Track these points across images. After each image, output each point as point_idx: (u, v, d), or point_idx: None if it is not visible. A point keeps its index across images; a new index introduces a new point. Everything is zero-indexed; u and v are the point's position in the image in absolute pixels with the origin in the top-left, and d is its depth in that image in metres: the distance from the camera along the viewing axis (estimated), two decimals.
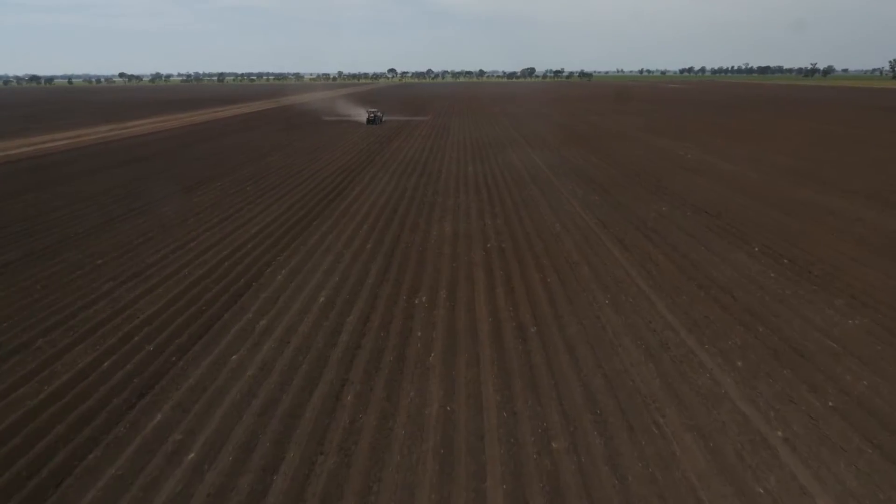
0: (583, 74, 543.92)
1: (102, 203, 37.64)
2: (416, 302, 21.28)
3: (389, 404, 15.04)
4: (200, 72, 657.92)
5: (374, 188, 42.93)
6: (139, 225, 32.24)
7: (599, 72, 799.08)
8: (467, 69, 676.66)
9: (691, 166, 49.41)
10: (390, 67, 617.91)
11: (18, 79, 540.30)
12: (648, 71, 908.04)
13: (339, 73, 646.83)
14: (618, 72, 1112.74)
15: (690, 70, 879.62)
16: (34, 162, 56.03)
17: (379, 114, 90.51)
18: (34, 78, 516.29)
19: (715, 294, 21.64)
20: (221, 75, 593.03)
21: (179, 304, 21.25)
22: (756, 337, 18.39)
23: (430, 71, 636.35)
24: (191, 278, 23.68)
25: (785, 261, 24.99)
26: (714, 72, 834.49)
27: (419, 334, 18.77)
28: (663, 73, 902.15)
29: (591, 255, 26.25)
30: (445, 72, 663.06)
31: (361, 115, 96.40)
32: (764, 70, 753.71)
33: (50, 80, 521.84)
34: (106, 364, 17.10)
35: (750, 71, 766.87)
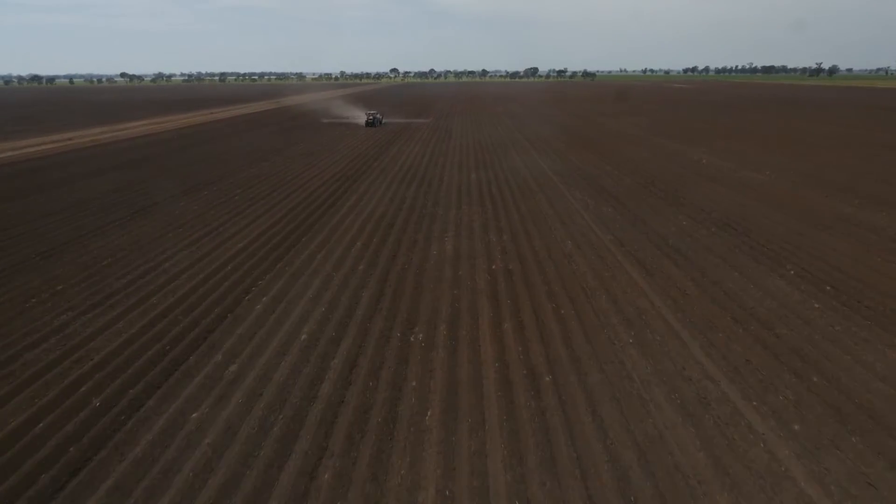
0: (586, 74, 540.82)
1: (75, 216, 34.90)
2: (412, 340, 18.50)
3: (375, 486, 12.25)
4: (203, 71, 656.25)
5: (371, 198, 40.24)
6: (112, 242, 29.49)
7: (602, 71, 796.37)
8: (470, 69, 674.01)
9: (709, 174, 46.55)
10: (392, 67, 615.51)
11: (20, 78, 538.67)
12: (652, 70, 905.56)
13: (342, 73, 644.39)
14: (621, 71, 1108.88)
15: (694, 70, 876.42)
16: (12, 169, 53.32)
17: (378, 116, 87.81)
18: (35, 78, 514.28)
19: (755, 331, 18.82)
20: (223, 75, 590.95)
21: (140, 342, 18.50)
22: (811, 389, 15.56)
23: (432, 71, 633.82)
24: (158, 309, 20.93)
25: (828, 288, 22.14)
26: (718, 71, 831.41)
27: (414, 384, 16.00)
28: (667, 72, 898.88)
29: (608, 279, 23.44)
30: (448, 71, 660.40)
31: (360, 117, 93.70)
32: (768, 70, 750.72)
33: (51, 79, 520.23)
34: (40, 426, 14.34)
35: (754, 70, 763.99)
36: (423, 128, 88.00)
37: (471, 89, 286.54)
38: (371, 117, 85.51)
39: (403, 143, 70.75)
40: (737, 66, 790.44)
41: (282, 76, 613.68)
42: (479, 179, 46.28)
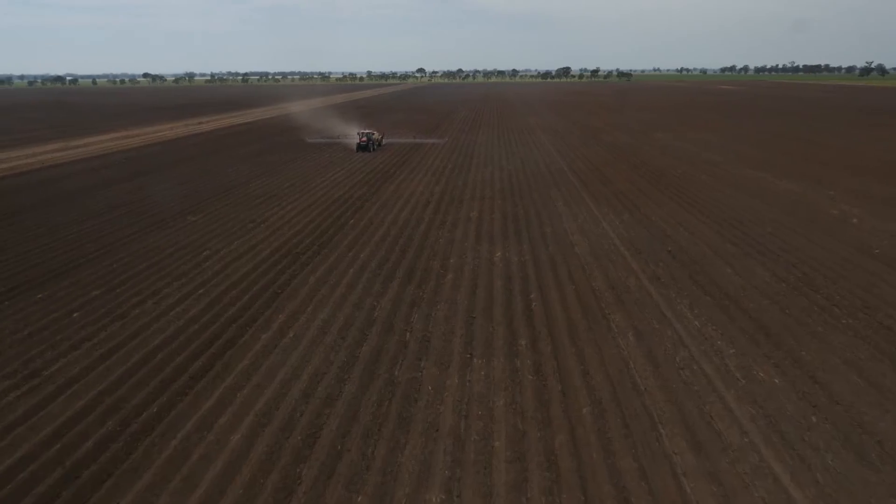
0: (621, 74, 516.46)
1: None
2: None
3: None
4: (230, 71, 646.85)
5: (321, 307, 22.19)
6: None
7: (636, 70, 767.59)
8: (499, 68, 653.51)
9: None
10: (419, 67, 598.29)
11: (43, 79, 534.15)
12: (687, 70, 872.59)
13: (368, 73, 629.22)
14: (654, 70, 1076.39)
15: (732, 69, 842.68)
16: None
17: (375, 135, 68.02)
18: (58, 79, 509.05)
19: None
20: (246, 76, 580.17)
21: None
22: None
23: (460, 70, 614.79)
24: None
25: None
26: (757, 70, 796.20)
27: None
28: (703, 72, 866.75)
29: None
30: (476, 71, 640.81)
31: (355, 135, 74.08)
32: (813, 69, 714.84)
33: (74, 80, 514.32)
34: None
35: (796, 69, 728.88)
36: (435, 151, 69.17)
37: (500, 92, 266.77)
38: (364, 139, 65.63)
39: (403, 177, 52.45)
40: (777, 65, 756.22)
41: (306, 76, 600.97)
42: (509, 264, 27.94)
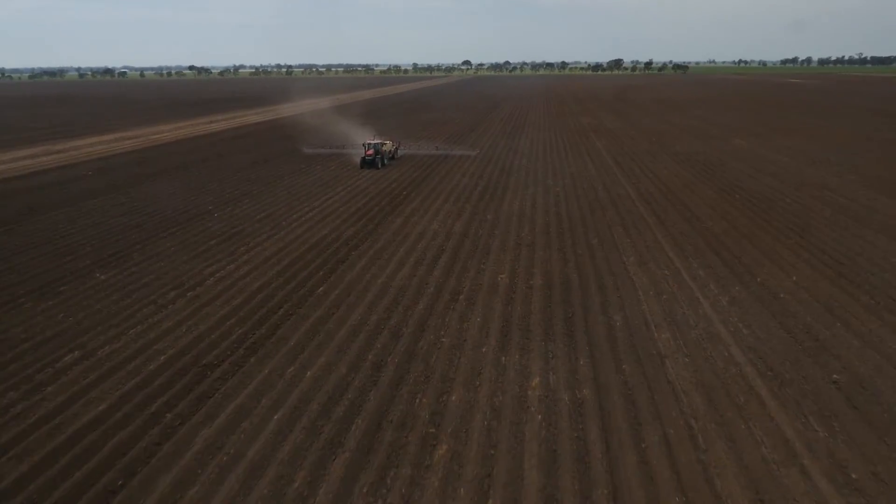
0: (677, 67, 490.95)
1: None
2: None
3: None
4: (280, 63, 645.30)
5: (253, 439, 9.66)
6: None
7: (690, 62, 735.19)
8: (548, 60, 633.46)
9: None
10: (465, 59, 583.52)
11: (94, 71, 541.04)
12: (745, 62, 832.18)
13: (414, 65, 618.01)
14: (710, 62, 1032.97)
15: (794, 61, 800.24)
16: None
17: (387, 146, 54.51)
18: (108, 71, 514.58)
19: None
20: (290, 68, 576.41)
21: None
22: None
23: (507, 63, 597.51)
24: None
25: None
26: (821, 62, 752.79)
27: None
28: (763, 64, 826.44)
29: None
30: (524, 63, 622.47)
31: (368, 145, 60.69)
32: (883, 61, 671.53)
33: (123, 73, 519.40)
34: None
35: (863, 61, 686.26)
36: (463, 167, 56.44)
37: (549, 85, 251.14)
38: (370, 151, 51.46)
39: (415, 207, 40.77)
40: (843, 57, 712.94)
41: (350, 68, 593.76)
42: (553, 418, 15.54)
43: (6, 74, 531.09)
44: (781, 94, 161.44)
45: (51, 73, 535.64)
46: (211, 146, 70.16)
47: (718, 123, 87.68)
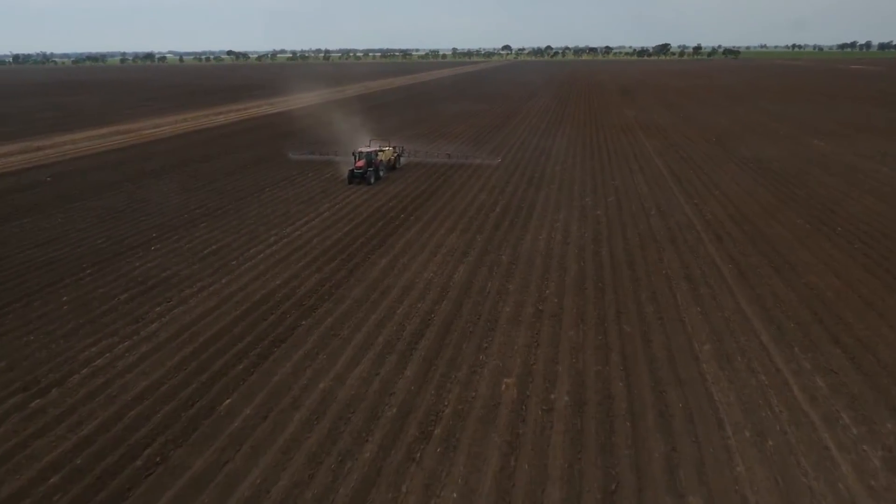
0: (727, 52, 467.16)
1: None
2: None
3: None
4: (319, 48, 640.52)
5: None
6: None
7: (741, 47, 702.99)
8: (591, 45, 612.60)
9: None
10: (505, 44, 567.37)
11: (135, 56, 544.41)
12: (799, 46, 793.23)
13: (453, 50, 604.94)
14: (762, 47, 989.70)
15: (853, 45, 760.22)
16: None
17: (386, 153, 44.49)
18: (148, 56, 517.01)
19: None
20: (328, 53, 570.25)
21: None
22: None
23: (548, 48, 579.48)
24: None
25: None
26: (882, 47, 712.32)
27: None
28: (819, 48, 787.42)
29: None
30: (566, 48, 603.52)
31: (372, 146, 49.03)
32: None
33: (163, 57, 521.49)
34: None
35: None
36: (483, 176, 47.04)
37: (591, 72, 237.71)
38: (361, 162, 41.44)
39: (409, 238, 31.88)
40: None
41: (387, 53, 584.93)
42: None
43: (52, 59, 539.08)
44: (848, 83, 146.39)
45: (94, 58, 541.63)
46: (203, 145, 62.17)
47: (787, 118, 75.91)
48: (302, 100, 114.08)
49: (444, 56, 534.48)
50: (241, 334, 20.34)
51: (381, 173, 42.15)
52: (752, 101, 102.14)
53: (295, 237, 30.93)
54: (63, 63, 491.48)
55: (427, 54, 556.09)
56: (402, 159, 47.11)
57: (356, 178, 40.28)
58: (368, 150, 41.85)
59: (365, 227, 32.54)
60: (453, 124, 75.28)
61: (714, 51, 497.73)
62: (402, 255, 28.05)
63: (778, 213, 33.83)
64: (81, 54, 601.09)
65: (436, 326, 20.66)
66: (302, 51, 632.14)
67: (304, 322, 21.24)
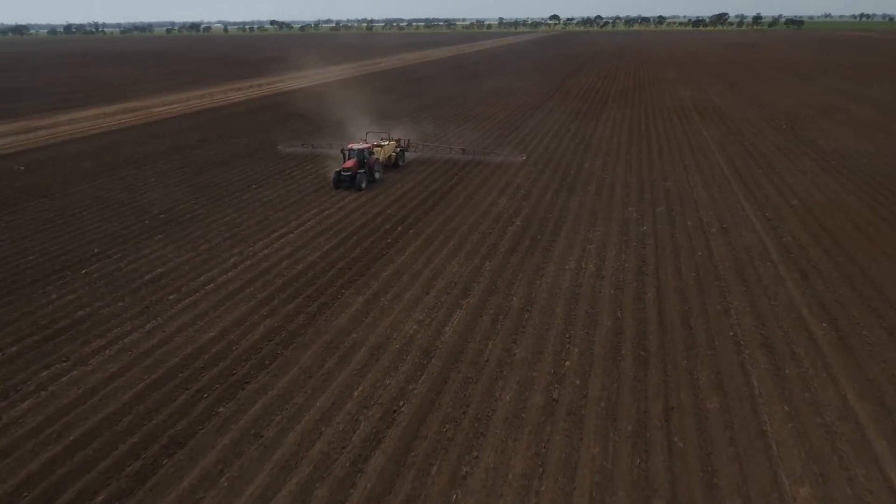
0: (790, 22, 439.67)
1: None
2: None
3: None
4: (362, 18, 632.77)
5: None
6: None
7: (804, 16, 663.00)
8: (643, 14, 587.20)
9: None
10: (553, 14, 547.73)
11: (181, 26, 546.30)
12: (867, 16, 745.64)
13: (500, 20, 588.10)
14: (826, 17, 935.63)
15: None
16: None
17: (389, 146, 37.75)
18: (194, 26, 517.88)
19: None
20: (371, 23, 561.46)
21: None
22: None
23: (598, 17, 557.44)
24: None
25: None
26: None
27: None
28: (889, 18, 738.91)
29: None
30: (617, 18, 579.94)
31: (377, 136, 41.01)
32: None
33: (208, 27, 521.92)
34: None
35: None
36: (507, 173, 40.09)
37: (643, 43, 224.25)
38: (352, 162, 33.79)
39: (397, 270, 25.35)
40: None
41: (431, 23, 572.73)
42: None
43: (101, 29, 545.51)
44: None
45: (141, 28, 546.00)
46: (206, 127, 56.75)
47: (868, 101, 66.08)
48: (330, 73, 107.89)
49: (489, 26, 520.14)
50: (123, 435, 14.40)
51: (377, 175, 35.28)
52: (823, 78, 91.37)
53: (260, 258, 24.86)
54: (111, 34, 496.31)
55: (472, 24, 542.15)
56: (406, 155, 39.94)
57: (343, 181, 33.50)
58: (361, 146, 34.79)
59: (350, 244, 26.26)
60: (485, 104, 68.03)
61: (775, 21, 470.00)
62: (384, 290, 21.70)
63: (879, 235, 26.16)
64: (131, 24, 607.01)
65: (400, 428, 14.34)
66: (346, 20, 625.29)
67: (219, 410, 15.22)
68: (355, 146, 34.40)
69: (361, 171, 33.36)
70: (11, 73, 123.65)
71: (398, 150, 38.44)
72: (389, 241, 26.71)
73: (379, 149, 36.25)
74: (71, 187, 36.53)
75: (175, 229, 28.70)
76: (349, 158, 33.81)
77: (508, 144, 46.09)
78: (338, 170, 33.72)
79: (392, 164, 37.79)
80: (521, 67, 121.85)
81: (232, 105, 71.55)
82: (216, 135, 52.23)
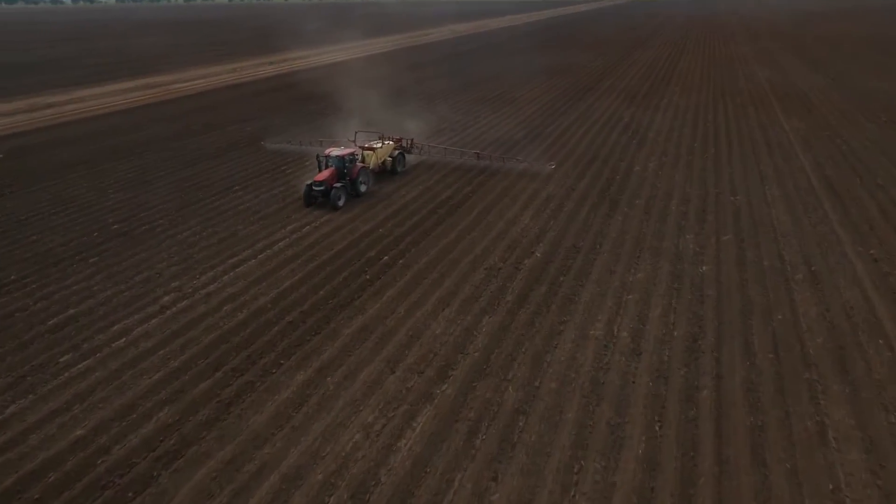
0: None
1: None
2: None
3: None
4: None
5: None
6: None
7: None
8: None
9: None
10: None
11: None
12: None
13: None
14: None
15: None
16: None
17: (382, 149, 30.37)
18: None
19: None
20: None
21: None
22: None
23: None
24: None
25: None
26: None
27: None
28: None
29: None
30: None
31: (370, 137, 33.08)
32: None
33: None
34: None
35: None
36: (535, 180, 33.23)
37: (717, 10, 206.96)
38: (327, 173, 26.84)
39: (353, 337, 19.13)
40: None
41: None
42: None
43: None
44: None
45: None
46: (212, 110, 51.96)
47: None
48: (372, 46, 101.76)
49: None
50: None
51: (363, 187, 28.52)
52: None
53: (199, 299, 19.49)
54: (175, 1, 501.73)
55: None
56: (407, 158, 32.56)
57: (316, 197, 26.90)
58: (342, 152, 27.63)
59: (317, 280, 20.64)
60: (530, 84, 60.88)
61: None
62: (336, 363, 16.04)
63: None
64: None
65: None
66: None
67: None
68: (335, 151, 27.73)
69: (339, 184, 26.72)
70: (58, 42, 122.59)
71: (396, 152, 31.57)
72: (368, 277, 20.87)
73: (370, 153, 29.79)
74: (37, 183, 32.19)
75: (120, 248, 23.66)
76: (325, 169, 27.32)
77: (547, 138, 39.27)
78: (309, 182, 27.01)
79: (389, 171, 31.24)
80: (576, 40, 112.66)
81: (257, 82, 66.69)
82: (224, 118, 47.34)
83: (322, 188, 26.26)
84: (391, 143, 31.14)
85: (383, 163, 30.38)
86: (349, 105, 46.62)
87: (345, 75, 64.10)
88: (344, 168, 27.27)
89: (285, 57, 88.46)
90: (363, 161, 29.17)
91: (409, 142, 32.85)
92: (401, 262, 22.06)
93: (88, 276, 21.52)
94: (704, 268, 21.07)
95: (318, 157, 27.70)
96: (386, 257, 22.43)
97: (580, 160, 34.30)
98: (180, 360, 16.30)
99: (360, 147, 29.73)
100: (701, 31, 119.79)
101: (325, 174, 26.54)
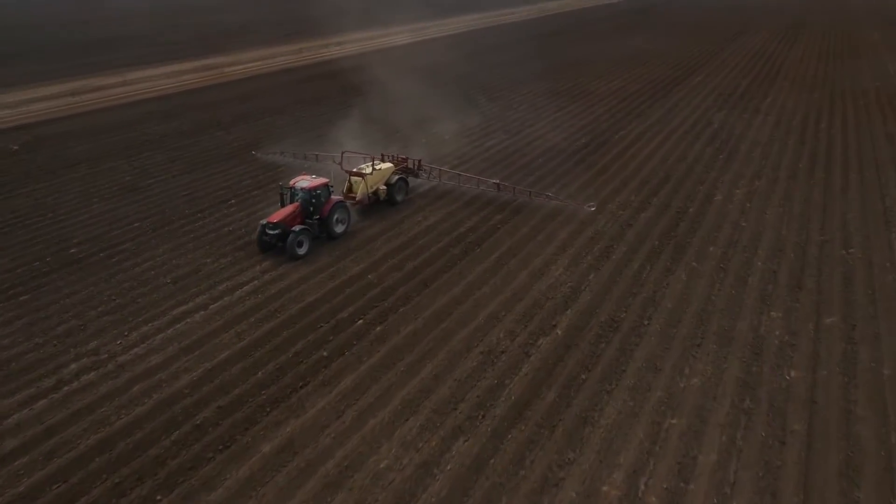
0: None
1: None
2: None
3: None
4: None
5: None
6: None
7: None
8: None
9: None
10: None
11: None
12: None
13: None
14: None
15: None
16: None
17: (374, 175, 23.81)
18: None
19: None
20: None
21: None
22: None
23: None
24: None
25: None
26: None
27: None
28: None
29: None
30: None
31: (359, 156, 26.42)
32: None
33: None
34: None
35: None
36: (572, 220, 26.89)
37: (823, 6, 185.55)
38: (283, 212, 20.80)
39: (254, 473, 13.82)
40: None
41: None
42: None
43: None
44: None
45: None
46: (249, 99, 48.41)
47: None
48: (446, 27, 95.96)
49: None
50: None
51: (340, 227, 22.10)
52: None
53: (109, 371, 15.64)
54: None
55: None
56: (407, 186, 25.72)
57: (273, 242, 20.78)
58: (311, 183, 21.39)
59: (261, 353, 16.13)
60: (611, 74, 53.75)
61: None
62: None
63: None
64: None
65: None
66: None
67: None
68: (303, 182, 21.49)
69: (299, 227, 20.67)
70: (137, 19, 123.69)
71: (395, 178, 25.03)
72: (325, 354, 15.89)
73: (358, 179, 24.07)
74: (29, 185, 29.51)
75: (62, 282, 19.95)
76: (290, 204, 21.39)
77: (612, 148, 32.78)
78: (263, 222, 20.96)
79: (386, 201, 24.85)
80: (669, 21, 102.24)
81: (312, 66, 62.87)
82: (259, 109, 43.70)
83: (276, 231, 20.55)
84: (390, 165, 25.20)
85: (376, 192, 24.43)
86: (395, 96, 41.60)
87: (405, 60, 59.08)
88: (311, 204, 21.33)
89: (354, 37, 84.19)
90: (350, 190, 23.57)
91: (416, 163, 26.81)
92: (378, 329, 16.97)
93: (6, 321, 17.73)
94: (793, 373, 14.65)
95: (280, 188, 22.12)
96: (361, 321, 17.37)
97: (647, 181, 27.80)
98: (28, 483, 11.90)
99: (347, 172, 24.15)
100: (820, 14, 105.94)
101: (283, 212, 20.76)
